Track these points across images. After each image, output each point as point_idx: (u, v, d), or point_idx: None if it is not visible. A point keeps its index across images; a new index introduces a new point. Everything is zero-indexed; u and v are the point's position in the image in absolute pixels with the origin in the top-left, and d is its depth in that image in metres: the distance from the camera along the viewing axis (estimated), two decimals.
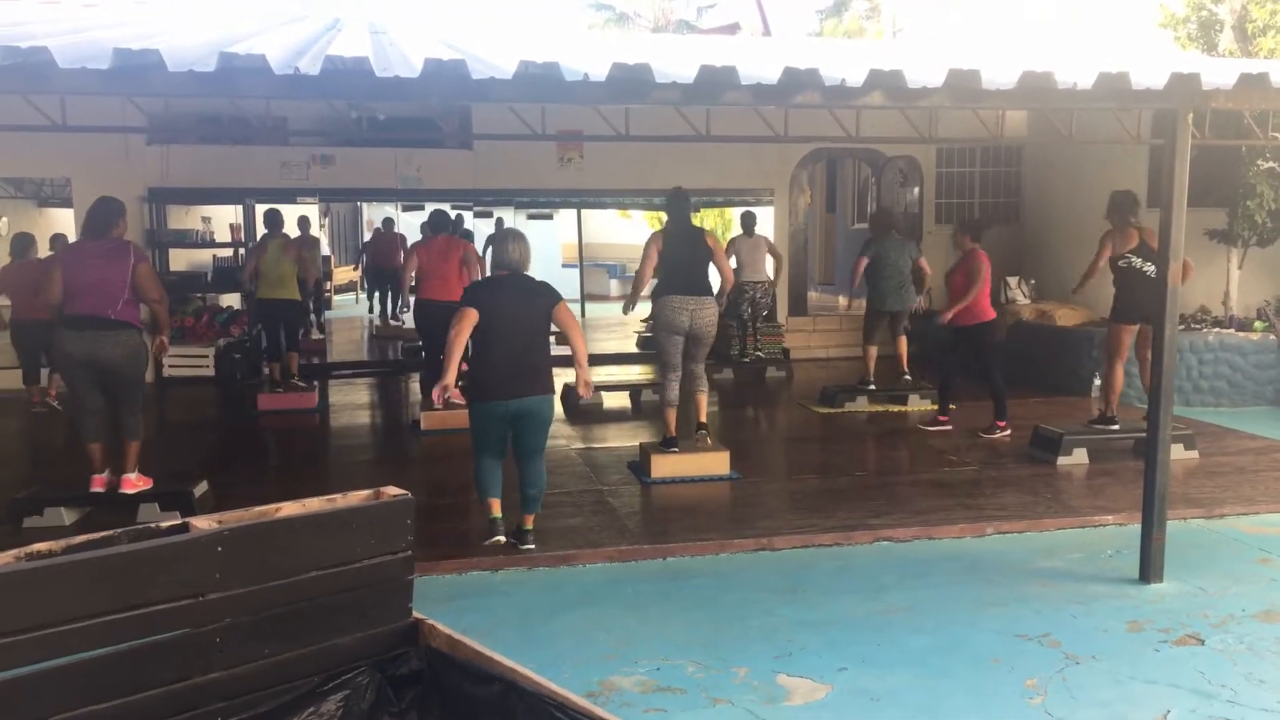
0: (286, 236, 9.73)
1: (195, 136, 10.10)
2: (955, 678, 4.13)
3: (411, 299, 9.11)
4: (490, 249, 5.61)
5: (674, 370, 6.90)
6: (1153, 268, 7.25)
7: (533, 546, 5.48)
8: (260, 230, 10.36)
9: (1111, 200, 7.64)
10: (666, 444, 6.99)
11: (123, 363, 5.82)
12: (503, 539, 5.48)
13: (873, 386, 9.64)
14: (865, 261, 9.41)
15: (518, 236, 5.44)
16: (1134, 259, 7.41)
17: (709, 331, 6.86)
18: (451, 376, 5.09)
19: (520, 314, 5.25)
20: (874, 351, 9.65)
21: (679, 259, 6.83)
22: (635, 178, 11.88)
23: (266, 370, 9.92)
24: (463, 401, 6.37)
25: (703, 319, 6.79)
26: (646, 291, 7.37)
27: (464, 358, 5.32)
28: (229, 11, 8.11)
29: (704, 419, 7.16)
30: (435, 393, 5.13)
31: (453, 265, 8.44)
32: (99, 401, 5.94)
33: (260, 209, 11.40)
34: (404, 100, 4.19)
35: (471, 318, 5.12)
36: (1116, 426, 7.69)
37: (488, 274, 7.31)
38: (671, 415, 6.98)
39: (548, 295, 5.35)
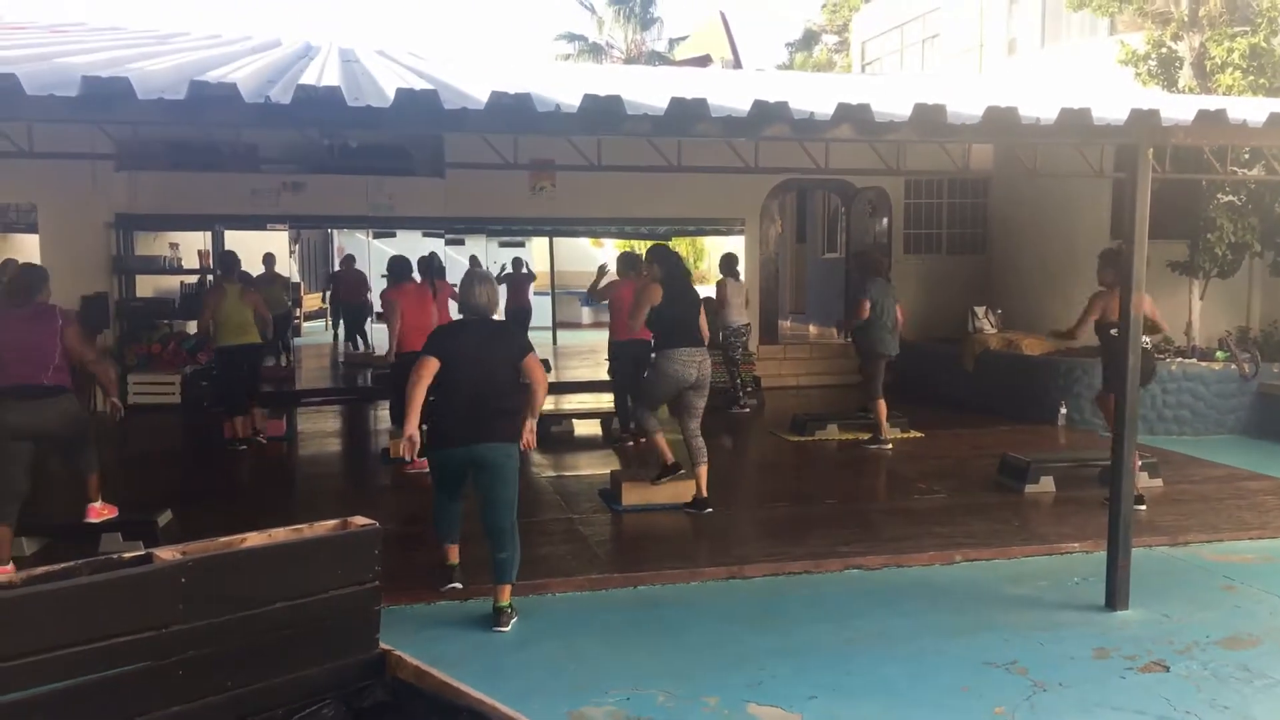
0: (247, 278, 9.24)
1: (164, 162, 10.05)
2: (925, 705, 4.14)
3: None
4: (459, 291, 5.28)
5: (656, 408, 6.97)
6: (1145, 339, 6.98)
7: (508, 630, 4.89)
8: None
9: (1104, 257, 7.07)
10: (670, 471, 6.86)
11: (65, 429, 5.67)
12: (459, 585, 5.25)
13: (889, 447, 8.93)
14: (869, 304, 8.78)
15: (484, 279, 5.16)
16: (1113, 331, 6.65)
17: (708, 380, 6.88)
18: (413, 428, 4.81)
19: (483, 360, 4.91)
20: (885, 406, 8.96)
21: (682, 312, 6.76)
22: (607, 207, 11.94)
23: (227, 432, 9.06)
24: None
25: (707, 370, 6.84)
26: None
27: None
28: (200, 36, 8.10)
29: (705, 493, 6.84)
30: (404, 448, 4.90)
31: (429, 313, 8.02)
32: (27, 486, 5.55)
33: (229, 236, 11.33)
34: (376, 130, 4.20)
35: (431, 366, 4.84)
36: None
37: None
38: (661, 440, 6.87)
39: (515, 343, 5.04)
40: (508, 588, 4.97)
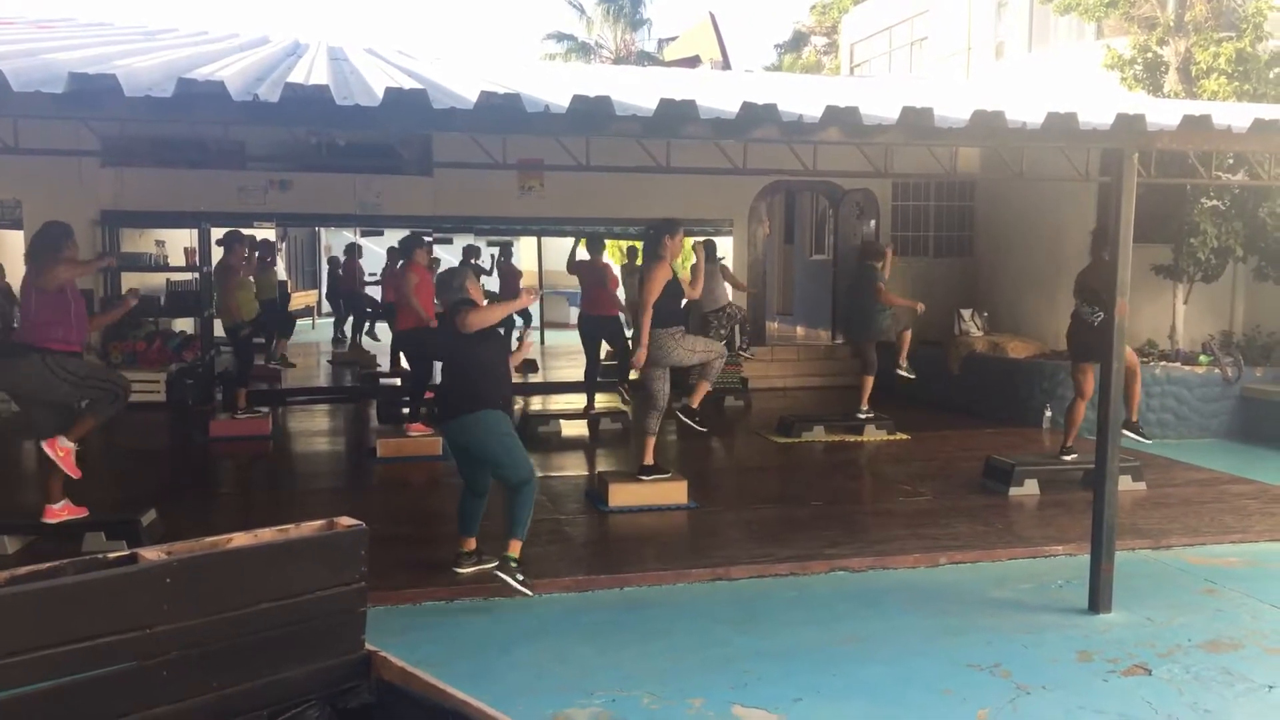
0: (223, 262, 9.63)
1: (150, 159, 10.01)
2: (908, 708, 4.16)
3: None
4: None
5: (658, 399, 6.97)
6: (1089, 309, 7.39)
7: (510, 580, 5.19)
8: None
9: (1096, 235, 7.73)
10: (644, 471, 6.99)
11: (25, 387, 5.74)
12: (470, 569, 5.50)
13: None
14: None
15: (445, 281, 5.58)
16: (1081, 305, 7.53)
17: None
18: None
19: (449, 345, 5.43)
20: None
21: (662, 295, 6.83)
22: (595, 207, 11.93)
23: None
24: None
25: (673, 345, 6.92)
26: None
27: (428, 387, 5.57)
28: (188, 33, 8.06)
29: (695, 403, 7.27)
30: None
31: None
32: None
33: (216, 233, 11.28)
34: (365, 129, 4.19)
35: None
36: (1073, 456, 7.87)
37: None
38: (650, 443, 6.98)
39: (454, 317, 5.34)
40: (515, 542, 5.34)
